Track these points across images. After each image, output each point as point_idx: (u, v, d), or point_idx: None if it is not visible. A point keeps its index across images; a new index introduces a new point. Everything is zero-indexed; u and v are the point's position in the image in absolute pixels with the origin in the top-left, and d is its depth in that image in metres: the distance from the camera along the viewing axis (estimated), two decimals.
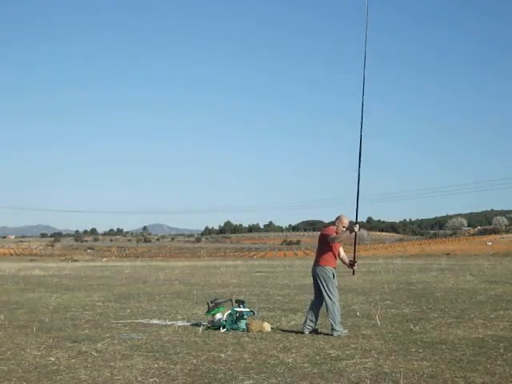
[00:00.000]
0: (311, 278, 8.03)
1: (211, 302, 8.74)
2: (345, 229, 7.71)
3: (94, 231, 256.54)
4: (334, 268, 7.82)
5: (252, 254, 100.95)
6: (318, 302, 7.83)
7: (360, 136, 7.89)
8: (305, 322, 7.84)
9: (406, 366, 5.64)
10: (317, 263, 7.86)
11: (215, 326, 8.34)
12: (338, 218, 7.86)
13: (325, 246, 7.82)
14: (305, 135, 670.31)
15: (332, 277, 7.70)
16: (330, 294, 7.66)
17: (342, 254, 8.00)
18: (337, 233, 7.76)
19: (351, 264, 7.98)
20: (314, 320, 7.79)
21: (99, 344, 7.03)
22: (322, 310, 7.82)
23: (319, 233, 8.21)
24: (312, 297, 8.12)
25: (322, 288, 7.72)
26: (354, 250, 8.03)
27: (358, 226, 7.63)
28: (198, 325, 8.60)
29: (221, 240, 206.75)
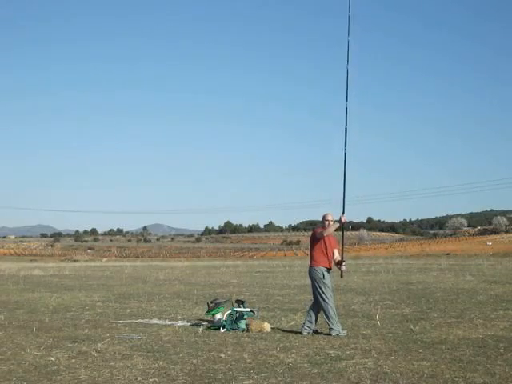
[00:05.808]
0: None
1: (211, 302, 8.74)
2: (330, 223, 7.69)
3: (94, 231, 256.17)
4: (328, 268, 7.77)
5: (252, 254, 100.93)
6: (315, 303, 7.82)
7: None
8: (303, 324, 7.85)
9: (405, 366, 5.64)
10: (309, 264, 7.88)
11: (215, 325, 8.34)
12: (323, 217, 7.85)
13: (315, 246, 7.82)
14: (305, 135, 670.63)
15: (322, 277, 7.67)
16: (322, 295, 7.64)
17: (336, 255, 7.95)
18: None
19: (339, 263, 7.92)
20: (313, 321, 7.78)
21: (99, 344, 7.03)
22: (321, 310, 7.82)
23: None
24: (311, 297, 8.12)
25: (314, 288, 7.75)
26: (342, 248, 7.94)
27: (344, 216, 7.64)
28: (197, 325, 8.60)
29: (221, 240, 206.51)
